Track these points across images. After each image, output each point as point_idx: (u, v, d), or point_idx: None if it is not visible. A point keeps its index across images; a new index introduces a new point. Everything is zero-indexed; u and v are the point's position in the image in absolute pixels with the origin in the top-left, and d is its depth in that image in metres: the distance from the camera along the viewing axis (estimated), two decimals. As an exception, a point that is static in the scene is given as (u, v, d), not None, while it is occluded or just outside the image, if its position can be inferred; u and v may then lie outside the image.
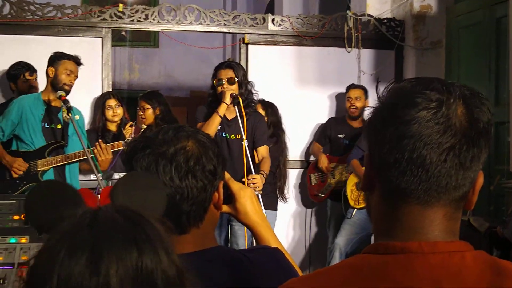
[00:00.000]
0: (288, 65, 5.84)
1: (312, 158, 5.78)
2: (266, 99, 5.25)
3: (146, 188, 1.06)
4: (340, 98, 5.88)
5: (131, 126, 4.80)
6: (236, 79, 4.34)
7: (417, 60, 5.93)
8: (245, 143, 4.18)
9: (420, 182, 1.00)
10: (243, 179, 4.11)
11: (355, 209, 5.21)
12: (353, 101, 5.50)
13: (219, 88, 4.34)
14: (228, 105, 4.29)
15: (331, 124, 5.67)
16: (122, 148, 4.37)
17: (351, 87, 5.57)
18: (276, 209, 4.97)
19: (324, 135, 5.69)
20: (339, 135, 5.56)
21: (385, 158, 1.02)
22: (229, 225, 4.63)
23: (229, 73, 4.35)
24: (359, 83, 5.83)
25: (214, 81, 4.39)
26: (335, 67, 5.91)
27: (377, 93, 1.11)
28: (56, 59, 4.39)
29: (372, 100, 5.41)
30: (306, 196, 5.78)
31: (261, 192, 4.07)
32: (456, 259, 0.99)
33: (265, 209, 4.61)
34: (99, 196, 1.09)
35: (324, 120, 5.83)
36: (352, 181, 5.27)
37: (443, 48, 5.83)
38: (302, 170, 5.83)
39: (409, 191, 1.01)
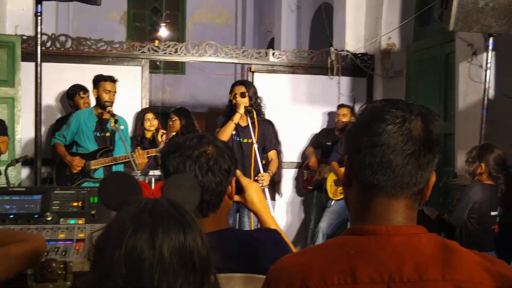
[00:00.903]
0: (285, 89, 5.83)
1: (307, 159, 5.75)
2: (268, 116, 5.23)
3: (187, 188, 1.10)
4: (326, 114, 5.85)
5: (163, 134, 4.79)
6: (247, 94, 4.25)
7: (383, 85, 5.92)
8: (255, 146, 4.08)
9: (388, 180, 1.00)
10: (256, 177, 4.06)
11: (334, 200, 5.19)
12: (340, 117, 5.42)
13: (234, 101, 4.26)
14: (241, 114, 4.18)
15: (323, 134, 5.65)
16: (155, 154, 4.36)
17: (340, 106, 5.50)
18: (274, 199, 4.95)
19: (317, 141, 5.67)
20: (328, 143, 5.54)
21: (361, 161, 1.02)
22: (237, 214, 4.61)
23: (242, 89, 4.26)
24: (339, 103, 5.82)
25: (230, 95, 4.32)
26: (321, 90, 5.90)
27: (352, 111, 1.12)
28: (97, 82, 4.37)
29: (349, 116, 5.38)
30: (300, 188, 5.76)
31: (267, 186, 4.02)
32: (415, 240, 0.99)
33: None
34: (152, 188, 1.13)
35: (313, 130, 5.79)
36: (331, 178, 5.26)
37: (404, 76, 5.82)
38: (297, 169, 5.80)
39: (379, 186, 1.01)
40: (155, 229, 0.88)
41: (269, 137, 4.43)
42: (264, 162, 4.49)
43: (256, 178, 4.04)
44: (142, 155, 4.26)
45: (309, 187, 5.55)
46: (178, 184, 1.09)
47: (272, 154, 4.45)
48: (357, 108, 5.33)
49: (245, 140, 4.34)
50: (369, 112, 1.05)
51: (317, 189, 5.53)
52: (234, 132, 4.35)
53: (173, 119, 4.89)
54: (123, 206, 0.93)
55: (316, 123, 5.89)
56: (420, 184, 1.01)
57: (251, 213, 4.29)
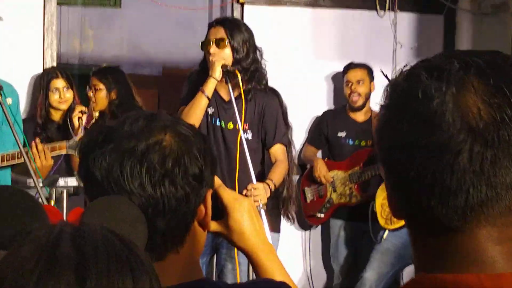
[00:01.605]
0: (299, 33, 5.87)
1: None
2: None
3: (126, 220, 1.09)
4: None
5: (81, 115, 4.78)
6: (228, 42, 4.23)
7: (474, 28, 5.95)
8: (241, 134, 4.09)
9: (468, 202, 1.00)
10: (244, 190, 4.07)
11: (387, 231, 5.22)
12: (354, 86, 5.55)
13: (206, 55, 4.27)
14: (218, 81, 4.19)
15: (327, 119, 5.76)
16: (67, 150, 4.35)
17: (349, 67, 5.64)
18: (278, 230, 4.96)
19: (318, 133, 5.78)
20: (339, 134, 5.65)
21: (414, 180, 1.02)
22: (216, 254, 4.62)
23: (219, 33, 4.25)
24: (394, 58, 5.84)
25: (204, 47, 4.32)
26: (363, 36, 5.96)
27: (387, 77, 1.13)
28: None
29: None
30: (300, 214, 5.76)
31: (264, 207, 4.01)
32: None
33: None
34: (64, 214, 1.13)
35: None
36: (382, 193, 5.29)
37: (510, 12, 5.84)
38: (298, 176, 5.82)
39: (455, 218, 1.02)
40: (83, 268, 0.86)
41: (270, 120, 4.43)
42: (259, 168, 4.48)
43: (243, 193, 4.05)
44: (43, 152, 4.24)
45: (319, 215, 5.65)
46: (111, 211, 1.08)
47: (276, 150, 4.45)
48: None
49: (231, 125, 4.32)
50: (407, 83, 1.05)
51: (337, 214, 5.62)
52: (210, 112, 4.36)
53: (96, 87, 4.89)
54: (17, 240, 0.93)
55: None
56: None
57: (236, 254, 4.38)
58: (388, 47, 5.94)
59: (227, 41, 4.23)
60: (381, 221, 5.27)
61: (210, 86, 4.20)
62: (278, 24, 5.82)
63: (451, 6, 5.98)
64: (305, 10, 5.86)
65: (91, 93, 4.90)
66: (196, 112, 4.21)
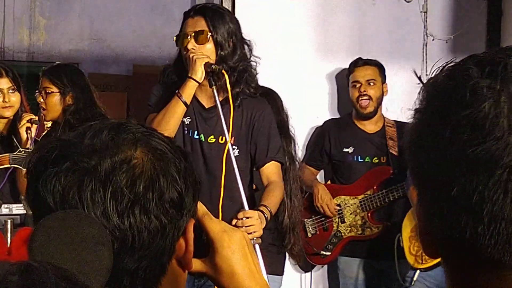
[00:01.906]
0: (304, 22, 5.92)
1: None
2: (262, 75, 5.26)
3: (86, 242, 1.09)
4: (396, 77, 5.91)
5: (31, 122, 4.81)
6: (211, 35, 4.21)
7: (525, 16, 5.99)
8: (229, 147, 4.03)
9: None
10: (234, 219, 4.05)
11: (418, 271, 5.24)
12: (363, 87, 5.54)
13: (182, 52, 4.25)
14: (199, 83, 4.16)
15: (329, 132, 5.74)
16: (10, 166, 4.37)
17: (357, 64, 5.64)
18: (281, 272, 4.98)
19: (319, 151, 5.76)
20: (345, 149, 5.64)
21: (452, 207, 1.04)
22: None
23: (199, 24, 4.23)
24: (425, 53, 5.88)
25: (175, 37, 4.28)
26: (385, 27, 6.00)
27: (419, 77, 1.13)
28: None
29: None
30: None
31: (259, 241, 3.99)
32: None
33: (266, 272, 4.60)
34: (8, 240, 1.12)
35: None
36: (410, 223, 5.31)
37: None
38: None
39: (504, 261, 1.03)
40: None
41: (262, 132, 4.43)
42: (254, 187, 4.49)
43: (233, 223, 4.04)
44: None
45: (325, 252, 5.66)
46: (67, 231, 1.09)
47: (269, 170, 4.42)
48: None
49: (212, 139, 4.32)
50: (453, 82, 1.07)
51: (348, 252, 5.64)
52: (187, 122, 4.36)
53: (48, 90, 4.92)
54: None
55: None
56: None
57: None
58: (417, 40, 5.99)
59: (209, 34, 4.20)
60: (410, 259, 5.26)
61: (188, 90, 4.17)
62: (277, 13, 5.84)
63: (496, -11, 6.03)
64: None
65: (41, 98, 4.91)
66: (170, 122, 4.17)
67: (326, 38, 5.93)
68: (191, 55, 4.13)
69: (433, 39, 5.99)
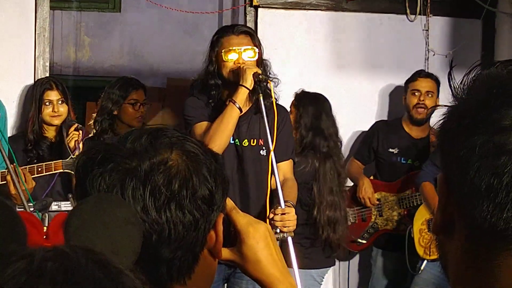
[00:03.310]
0: (319, 40, 5.89)
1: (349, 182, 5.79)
2: (281, 88, 5.26)
3: (115, 222, 1.07)
4: (397, 92, 5.91)
5: (77, 129, 4.80)
6: (256, 51, 4.27)
7: (516, 34, 5.95)
8: (272, 155, 4.08)
9: (528, 221, 1.01)
10: (270, 215, 4.05)
11: (426, 261, 5.22)
12: (423, 97, 5.49)
13: (229, 64, 4.25)
14: (249, 90, 4.16)
15: (379, 132, 5.71)
16: (63, 171, 4.37)
17: (420, 74, 5.57)
18: (315, 267, 5.02)
19: (367, 147, 5.74)
20: (391, 149, 5.61)
21: (472, 184, 1.02)
22: (227, 284, 4.63)
23: (245, 42, 4.28)
24: (426, 67, 5.88)
25: (222, 52, 4.27)
26: (391, 43, 5.97)
27: (451, 85, 1.12)
28: None
29: (443, 97, 5.41)
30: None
31: (292, 234, 3.98)
32: None
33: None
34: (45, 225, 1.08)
35: (370, 124, 5.87)
36: (422, 216, 5.29)
37: (558, 16, 5.86)
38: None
39: (510, 233, 1.01)
40: None
41: (285, 135, 4.47)
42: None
43: (271, 217, 4.03)
44: (22, 175, 4.18)
45: (361, 240, 5.64)
46: (98, 212, 1.07)
47: (286, 168, 4.47)
48: (459, 79, 5.47)
49: (246, 142, 4.33)
50: (485, 86, 1.06)
51: (379, 243, 5.63)
52: None
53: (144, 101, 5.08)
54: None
55: (376, 108, 5.99)
56: None
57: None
58: (419, 55, 5.96)
59: (256, 50, 4.30)
60: (420, 250, 5.24)
61: (241, 96, 4.18)
62: (296, 30, 5.84)
63: (490, 9, 5.98)
64: (326, 14, 5.88)
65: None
66: (228, 127, 4.17)
67: (338, 54, 5.92)
68: (242, 66, 4.17)
69: (433, 54, 5.97)
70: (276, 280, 1.62)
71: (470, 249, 1.06)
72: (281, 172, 4.35)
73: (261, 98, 4.17)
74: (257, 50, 4.29)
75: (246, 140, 4.37)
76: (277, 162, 4.30)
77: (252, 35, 4.38)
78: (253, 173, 4.30)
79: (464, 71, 1.11)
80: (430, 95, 5.50)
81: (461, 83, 1.09)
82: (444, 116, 1.10)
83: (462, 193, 1.05)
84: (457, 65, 1.12)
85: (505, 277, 1.03)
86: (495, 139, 1.00)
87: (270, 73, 4.45)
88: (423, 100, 5.48)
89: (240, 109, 4.19)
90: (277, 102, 4.40)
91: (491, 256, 1.04)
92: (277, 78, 4.48)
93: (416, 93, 5.52)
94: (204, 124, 4.27)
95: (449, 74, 1.14)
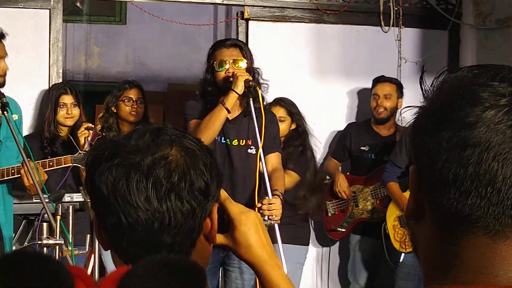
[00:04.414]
0: (302, 49, 5.89)
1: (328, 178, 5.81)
2: (269, 93, 5.29)
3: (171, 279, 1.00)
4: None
5: (88, 129, 4.79)
6: (246, 62, 4.35)
7: (478, 43, 5.95)
8: (260, 152, 4.15)
9: (489, 206, 1.00)
10: (259, 205, 4.08)
11: (403, 254, 5.24)
12: (380, 100, 5.54)
13: (221, 73, 4.32)
14: (239, 95, 4.23)
15: (351, 132, 5.74)
16: (72, 164, 4.37)
17: (379, 80, 5.62)
18: (307, 243, 5.19)
19: (342, 147, 5.75)
20: (362, 147, 5.64)
21: (440, 175, 1.02)
22: (222, 269, 4.65)
23: (235, 54, 4.37)
24: (399, 73, 5.87)
25: (214, 63, 4.37)
26: (367, 52, 5.97)
27: (422, 88, 1.12)
28: None
29: (414, 98, 5.42)
30: (321, 231, 5.82)
31: (278, 221, 4.03)
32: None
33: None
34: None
35: (349, 121, 5.91)
36: (393, 213, 5.30)
37: (514, 28, 5.86)
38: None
39: (474, 218, 1.02)
40: None
41: (271, 133, 4.53)
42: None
43: (259, 206, 4.06)
44: (35, 169, 4.12)
45: (340, 229, 5.65)
46: (157, 278, 0.98)
47: (273, 159, 4.52)
48: (428, 82, 5.54)
49: (235, 142, 4.39)
50: (451, 87, 1.06)
51: (357, 230, 5.64)
52: None
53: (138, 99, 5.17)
54: None
55: (354, 111, 5.99)
56: (545, 213, 1.02)
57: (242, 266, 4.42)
58: (392, 62, 5.96)
59: (245, 61, 4.37)
60: (396, 245, 5.27)
61: (230, 100, 4.23)
62: (283, 39, 5.84)
63: (456, 21, 6.00)
64: (309, 26, 5.88)
65: (129, 106, 5.15)
66: (215, 124, 4.23)
67: (319, 61, 5.91)
68: (236, 73, 4.24)
69: (405, 62, 5.98)
70: (265, 262, 1.62)
71: (438, 232, 1.06)
72: (270, 163, 4.42)
73: (251, 101, 4.23)
74: (245, 60, 4.35)
75: (236, 140, 4.42)
76: (266, 154, 4.38)
77: (241, 47, 4.44)
78: (240, 169, 4.34)
79: (432, 76, 1.11)
80: (388, 97, 5.55)
81: (431, 85, 1.10)
82: (415, 114, 1.10)
83: (431, 182, 1.05)
84: (426, 71, 1.14)
85: (467, 257, 1.03)
86: (461, 134, 1.01)
87: (260, 80, 4.50)
88: (381, 103, 5.53)
89: (228, 110, 4.23)
90: (265, 106, 4.46)
91: (456, 239, 1.04)
92: (267, 84, 4.54)
93: (375, 97, 5.58)
94: (197, 121, 4.34)
95: (421, 78, 1.14)
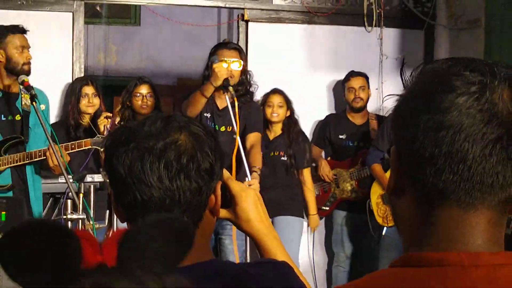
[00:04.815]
0: (296, 47, 5.87)
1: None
2: (266, 87, 5.32)
3: (168, 237, 0.93)
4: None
5: (107, 117, 4.79)
6: (242, 65, 4.50)
7: (451, 42, 5.95)
8: (238, 138, 4.22)
9: (461, 181, 1.01)
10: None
11: (385, 228, 5.26)
12: (357, 92, 5.57)
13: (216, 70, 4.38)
14: (215, 87, 4.34)
15: (329, 123, 5.74)
16: (91, 147, 4.37)
17: (352, 75, 5.63)
18: (303, 216, 5.26)
19: (323, 136, 5.76)
20: (340, 136, 5.65)
21: (418, 154, 1.03)
22: (217, 238, 4.75)
23: (234, 55, 4.50)
24: (381, 68, 5.87)
25: (213, 61, 4.43)
26: (352, 49, 5.95)
27: (402, 78, 1.12)
28: None
29: (394, 90, 5.41)
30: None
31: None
32: (503, 274, 0.99)
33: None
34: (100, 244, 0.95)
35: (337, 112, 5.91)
36: (376, 192, 5.32)
37: (482, 28, 5.84)
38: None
39: (447, 192, 1.02)
40: None
41: (253, 117, 4.69)
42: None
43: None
44: (58, 151, 4.10)
45: (324, 207, 5.67)
46: (153, 236, 0.92)
47: (252, 138, 4.69)
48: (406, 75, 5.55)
49: (223, 128, 4.64)
50: (428, 77, 1.06)
51: (341, 206, 5.66)
52: (207, 115, 4.59)
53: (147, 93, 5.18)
54: None
55: (342, 100, 5.93)
56: (509, 187, 1.02)
57: (233, 232, 4.47)
58: (375, 58, 5.95)
59: (242, 62, 4.53)
60: (379, 220, 5.30)
61: (208, 89, 4.39)
62: (278, 39, 5.83)
63: (430, 22, 6.00)
64: (302, 26, 5.88)
65: (139, 101, 5.17)
66: (196, 106, 4.46)
67: (311, 58, 5.90)
68: (216, 69, 4.33)
69: (386, 58, 5.96)
70: (263, 233, 1.63)
71: (416, 206, 1.07)
72: (249, 140, 4.67)
73: (227, 96, 4.33)
74: (242, 62, 4.53)
75: (223, 127, 4.64)
76: (247, 133, 4.66)
77: (240, 51, 4.64)
78: (226, 152, 4.35)
79: (410, 70, 1.11)
80: (362, 89, 5.59)
81: (410, 75, 1.10)
82: (396, 101, 1.10)
83: (410, 161, 1.05)
84: (405, 67, 1.14)
85: (442, 227, 1.04)
86: (436, 118, 1.01)
87: (251, 80, 4.74)
88: (358, 94, 5.57)
89: (205, 96, 4.41)
90: (250, 99, 4.75)
91: (432, 211, 1.05)
92: (257, 85, 4.84)
93: (352, 90, 5.59)
94: (187, 101, 4.57)
95: (401, 70, 1.15)
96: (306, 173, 5.34)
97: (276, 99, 5.23)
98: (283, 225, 5.07)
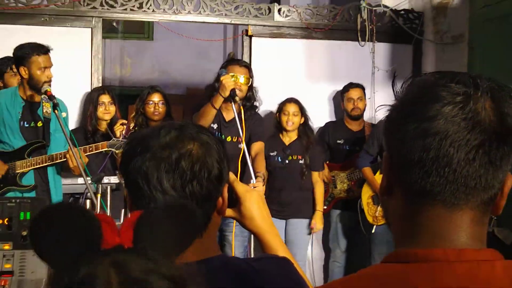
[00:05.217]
0: (296, 59, 5.87)
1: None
2: (272, 100, 5.33)
3: (179, 221, 0.96)
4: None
5: (122, 124, 4.80)
6: (251, 80, 4.60)
7: (437, 55, 5.95)
8: (244, 146, 4.22)
9: (446, 183, 1.01)
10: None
11: (375, 226, 5.26)
12: (356, 102, 5.58)
13: (224, 83, 4.42)
14: (224, 98, 4.37)
15: (329, 129, 5.75)
16: (107, 149, 4.38)
17: (351, 86, 5.64)
18: (310, 217, 5.26)
19: (322, 141, 5.74)
20: (338, 141, 5.65)
21: (407, 158, 1.03)
22: (221, 235, 4.80)
23: (244, 71, 4.60)
24: (373, 80, 5.86)
25: (222, 74, 4.47)
26: (347, 62, 5.95)
27: (393, 89, 1.13)
28: (24, 57, 4.27)
29: (385, 99, 5.42)
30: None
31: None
32: (485, 269, 1.00)
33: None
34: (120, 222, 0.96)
35: (335, 119, 5.91)
36: (366, 193, 5.31)
37: (466, 43, 5.84)
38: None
39: (434, 193, 1.02)
40: None
41: (256, 128, 4.74)
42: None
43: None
44: (77, 153, 4.11)
45: (324, 206, 5.62)
46: (164, 219, 0.94)
47: (257, 146, 4.75)
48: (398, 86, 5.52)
49: (229, 138, 4.69)
50: (417, 88, 1.07)
51: (337, 206, 5.65)
52: (215, 127, 4.62)
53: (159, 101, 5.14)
54: (74, 271, 0.80)
55: (339, 108, 5.94)
56: (491, 189, 1.03)
57: (233, 227, 4.49)
58: (368, 70, 5.94)
59: (250, 79, 4.66)
60: (369, 219, 5.29)
61: (217, 100, 4.43)
62: (279, 52, 5.84)
63: (418, 37, 6.01)
64: (301, 41, 5.88)
65: (152, 108, 5.14)
66: (206, 119, 4.48)
67: (309, 70, 5.91)
68: (224, 82, 4.38)
69: (378, 70, 5.96)
70: (265, 231, 1.64)
71: (405, 206, 1.08)
72: (254, 149, 4.73)
73: (233, 105, 4.36)
74: (250, 79, 4.65)
75: (229, 137, 4.67)
76: (252, 143, 4.73)
77: (249, 68, 4.73)
78: (231, 159, 4.36)
79: (400, 81, 1.12)
80: (360, 99, 5.60)
81: (401, 87, 1.10)
82: (388, 110, 1.11)
83: (400, 164, 1.06)
84: (396, 79, 1.15)
85: (429, 225, 1.05)
86: (423, 126, 1.02)
87: (256, 96, 4.84)
88: (357, 104, 5.58)
89: (215, 107, 4.46)
90: (254, 111, 4.85)
91: (420, 211, 1.05)
92: (261, 100, 4.96)
93: (351, 100, 5.61)
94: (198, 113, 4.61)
95: (393, 82, 1.16)
96: (320, 175, 5.34)
97: (292, 108, 5.23)
98: (298, 228, 5.19)
